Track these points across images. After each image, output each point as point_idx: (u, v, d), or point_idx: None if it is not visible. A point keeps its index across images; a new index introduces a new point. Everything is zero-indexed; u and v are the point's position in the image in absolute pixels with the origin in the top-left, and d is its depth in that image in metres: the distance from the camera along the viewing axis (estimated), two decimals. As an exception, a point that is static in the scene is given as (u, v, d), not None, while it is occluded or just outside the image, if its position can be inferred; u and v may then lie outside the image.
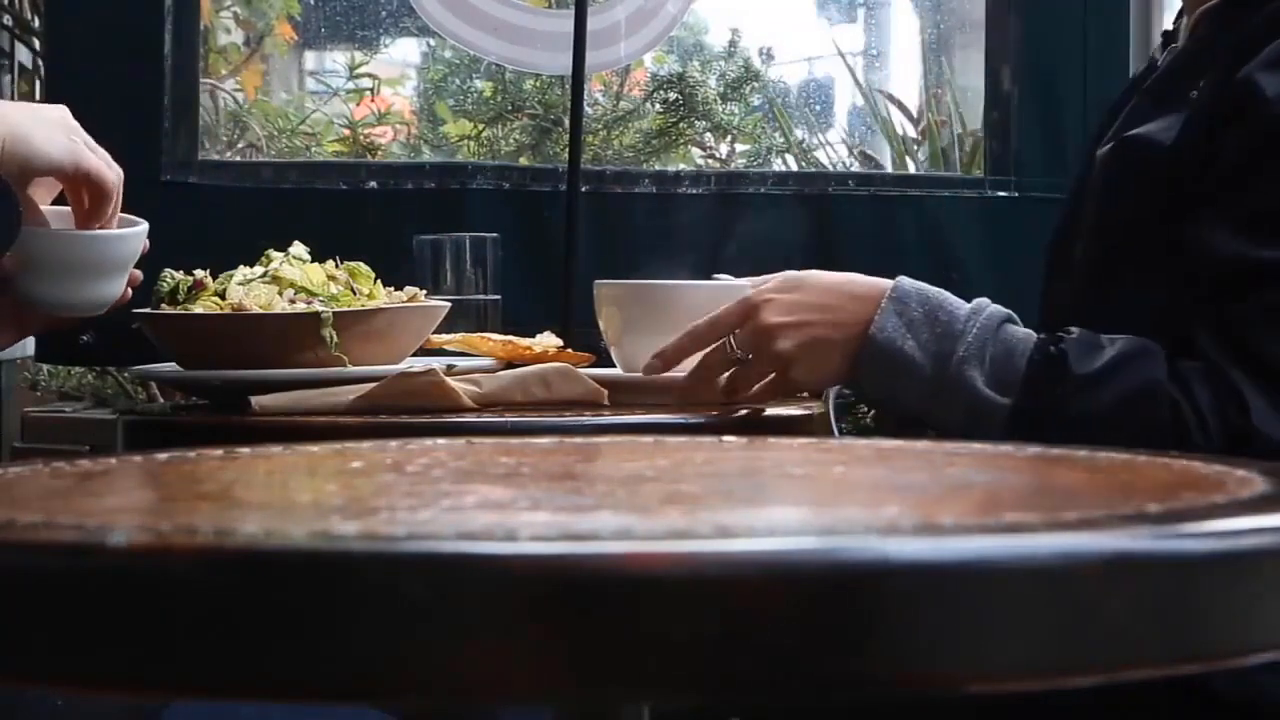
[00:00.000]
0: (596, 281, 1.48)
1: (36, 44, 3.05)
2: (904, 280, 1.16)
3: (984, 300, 1.15)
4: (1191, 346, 1.07)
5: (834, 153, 3.06)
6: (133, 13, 2.27)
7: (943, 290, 1.16)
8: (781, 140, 3.04)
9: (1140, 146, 1.14)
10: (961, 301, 1.14)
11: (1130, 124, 1.17)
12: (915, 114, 2.96)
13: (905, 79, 3.26)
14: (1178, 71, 1.18)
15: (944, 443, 0.76)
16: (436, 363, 1.32)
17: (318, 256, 1.40)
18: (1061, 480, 0.66)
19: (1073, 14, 2.10)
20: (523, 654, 0.39)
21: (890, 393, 1.16)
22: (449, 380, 1.24)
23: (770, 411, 1.25)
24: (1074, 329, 1.10)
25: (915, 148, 2.95)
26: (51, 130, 1.16)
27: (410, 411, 1.23)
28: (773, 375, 1.20)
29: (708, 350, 1.22)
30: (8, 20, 3.13)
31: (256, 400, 1.25)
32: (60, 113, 1.19)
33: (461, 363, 1.36)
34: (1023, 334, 1.12)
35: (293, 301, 1.34)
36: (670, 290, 1.38)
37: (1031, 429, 1.07)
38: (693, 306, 1.29)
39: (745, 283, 1.27)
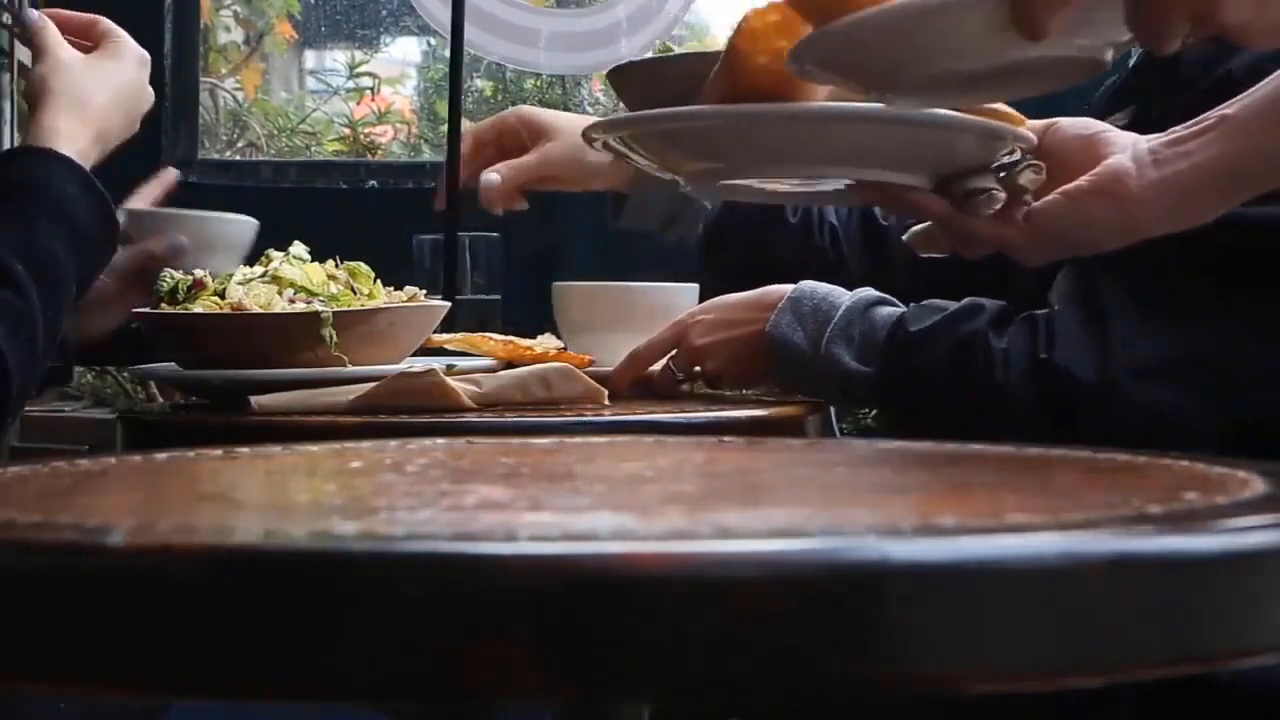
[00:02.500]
0: (555, 284, 1.54)
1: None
2: (806, 283, 1.26)
3: (866, 289, 1.24)
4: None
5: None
6: (132, 12, 2.27)
7: (841, 289, 1.25)
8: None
9: None
10: (847, 292, 1.24)
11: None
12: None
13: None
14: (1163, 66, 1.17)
15: (944, 443, 0.76)
16: (436, 363, 1.32)
17: (317, 256, 1.40)
18: (1062, 481, 0.66)
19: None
20: (523, 654, 0.39)
21: (792, 383, 1.28)
22: (449, 380, 1.24)
23: (771, 412, 1.25)
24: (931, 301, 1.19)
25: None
26: (126, 121, 1.26)
27: (410, 411, 1.23)
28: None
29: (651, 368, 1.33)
30: (7, 19, 3.13)
31: (256, 400, 1.25)
32: (134, 85, 1.29)
33: (462, 363, 1.36)
34: (889, 311, 1.21)
35: (292, 301, 1.34)
36: (622, 291, 1.49)
37: (894, 392, 1.18)
38: (643, 306, 1.42)
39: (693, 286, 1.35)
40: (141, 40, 2.26)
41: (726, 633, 0.40)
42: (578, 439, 0.83)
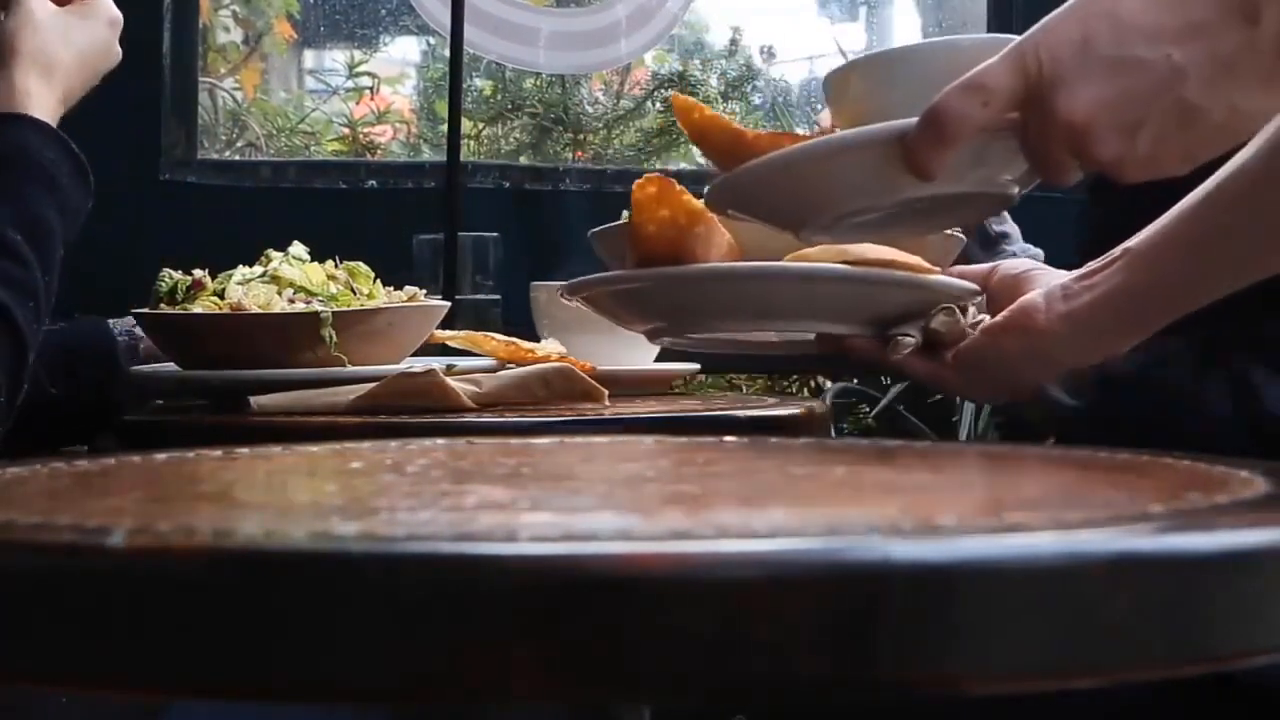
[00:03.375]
0: (533, 283, 1.54)
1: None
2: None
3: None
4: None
5: (834, 152, 3.06)
6: (132, 11, 2.27)
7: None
8: (782, 139, 3.04)
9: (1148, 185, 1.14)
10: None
11: None
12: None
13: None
14: None
15: (945, 443, 0.76)
16: (436, 363, 1.32)
17: (317, 256, 1.40)
18: (1063, 480, 0.66)
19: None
20: (523, 654, 0.39)
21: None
22: (449, 380, 1.24)
23: (771, 412, 1.25)
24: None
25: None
26: (89, 80, 1.27)
27: (410, 411, 1.23)
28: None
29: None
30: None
31: (255, 400, 1.25)
32: (100, 42, 1.28)
33: (462, 362, 1.36)
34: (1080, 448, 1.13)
35: (292, 301, 1.34)
36: None
37: (1106, 429, 1.06)
38: None
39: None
40: (142, 40, 2.26)
41: (727, 633, 0.40)
42: (578, 439, 0.83)
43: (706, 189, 0.90)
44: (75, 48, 1.26)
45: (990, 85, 0.75)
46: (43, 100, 1.21)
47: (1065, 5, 0.75)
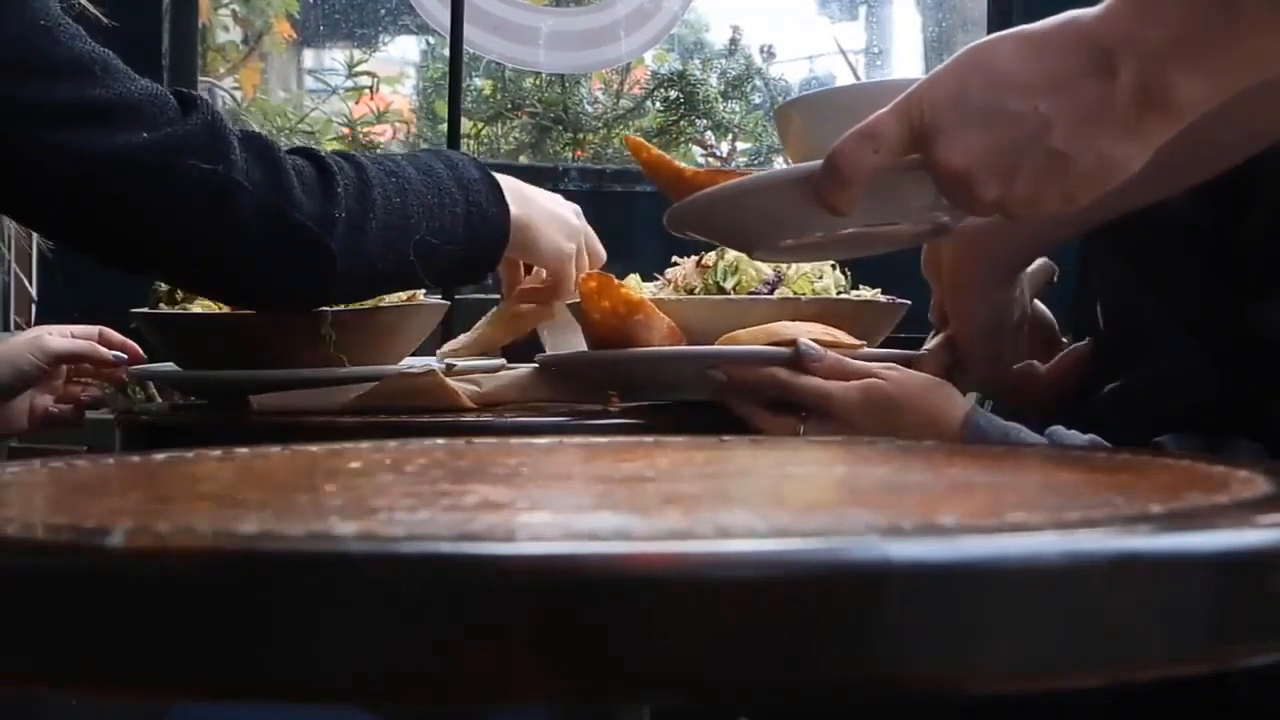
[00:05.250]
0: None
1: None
2: (978, 415, 1.15)
3: (1059, 429, 1.12)
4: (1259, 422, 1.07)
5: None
6: (131, 11, 2.27)
7: (1016, 425, 1.14)
8: (782, 139, 3.04)
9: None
10: (1036, 435, 1.12)
11: None
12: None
13: (907, 77, 3.25)
14: None
15: (944, 443, 0.76)
16: (434, 363, 1.32)
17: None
18: (1064, 480, 0.66)
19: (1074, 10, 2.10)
20: (523, 654, 0.39)
21: None
22: (449, 380, 1.24)
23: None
24: (1166, 439, 1.07)
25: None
26: (556, 230, 1.34)
27: (410, 411, 1.23)
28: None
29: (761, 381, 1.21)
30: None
31: (256, 400, 1.25)
32: (570, 211, 1.37)
33: (462, 363, 1.36)
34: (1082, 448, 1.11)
35: (292, 301, 1.33)
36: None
37: None
38: None
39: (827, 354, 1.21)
40: (141, 40, 2.26)
41: (727, 633, 0.39)
42: (578, 439, 0.83)
43: (665, 216, 0.99)
44: (548, 200, 1.37)
45: (880, 133, 0.81)
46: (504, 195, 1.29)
47: (949, 59, 0.80)
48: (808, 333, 1.18)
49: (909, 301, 1.34)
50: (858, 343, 1.22)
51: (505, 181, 1.32)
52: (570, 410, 1.26)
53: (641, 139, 1.14)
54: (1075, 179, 0.78)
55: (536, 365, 1.33)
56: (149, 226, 1.15)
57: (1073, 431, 1.11)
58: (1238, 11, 0.71)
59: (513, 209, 1.29)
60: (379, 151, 1.25)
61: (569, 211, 1.38)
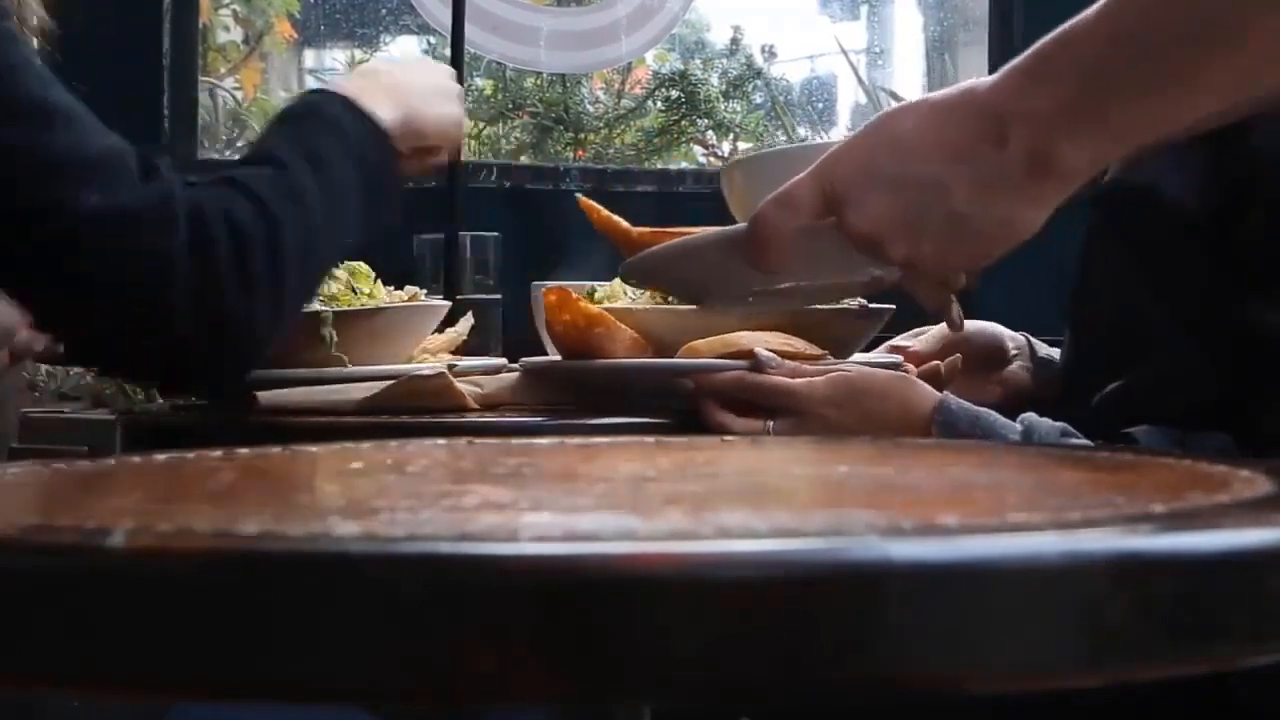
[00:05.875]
0: (533, 284, 1.55)
1: (35, 43, 3.05)
2: (949, 400, 1.16)
3: (1031, 417, 1.14)
4: (1250, 422, 1.06)
5: (836, 151, 3.05)
6: (132, 11, 2.27)
7: (987, 410, 1.16)
8: (784, 138, 3.04)
9: (1145, 200, 1.13)
10: (1009, 422, 1.14)
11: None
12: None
13: (908, 76, 3.26)
14: None
15: (945, 442, 0.76)
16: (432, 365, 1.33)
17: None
18: (1065, 480, 0.66)
19: (1075, 11, 2.10)
20: (523, 655, 0.39)
21: None
22: (456, 382, 1.24)
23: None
24: (1138, 432, 1.07)
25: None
26: (437, 103, 1.27)
27: (411, 412, 1.23)
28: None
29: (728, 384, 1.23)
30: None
31: (263, 395, 1.25)
32: (442, 74, 1.31)
33: (463, 363, 1.37)
34: (1083, 447, 1.10)
35: (293, 300, 1.33)
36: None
37: None
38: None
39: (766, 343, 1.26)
40: (142, 40, 2.26)
41: (728, 633, 0.39)
42: (579, 439, 0.83)
43: (619, 269, 1.07)
44: (420, 75, 1.29)
45: (796, 198, 0.86)
46: (368, 93, 1.21)
47: (861, 127, 0.85)
48: (765, 342, 1.21)
49: (891, 307, 1.34)
50: (819, 352, 1.24)
51: (371, 79, 1.25)
52: (551, 411, 1.27)
53: (591, 200, 1.25)
54: (977, 240, 0.82)
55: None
56: (73, 292, 1.07)
57: (1045, 420, 1.12)
58: (1108, 86, 0.75)
59: (389, 115, 1.22)
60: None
61: (441, 75, 1.32)
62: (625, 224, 1.18)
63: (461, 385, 1.26)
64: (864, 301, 1.33)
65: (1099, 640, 0.42)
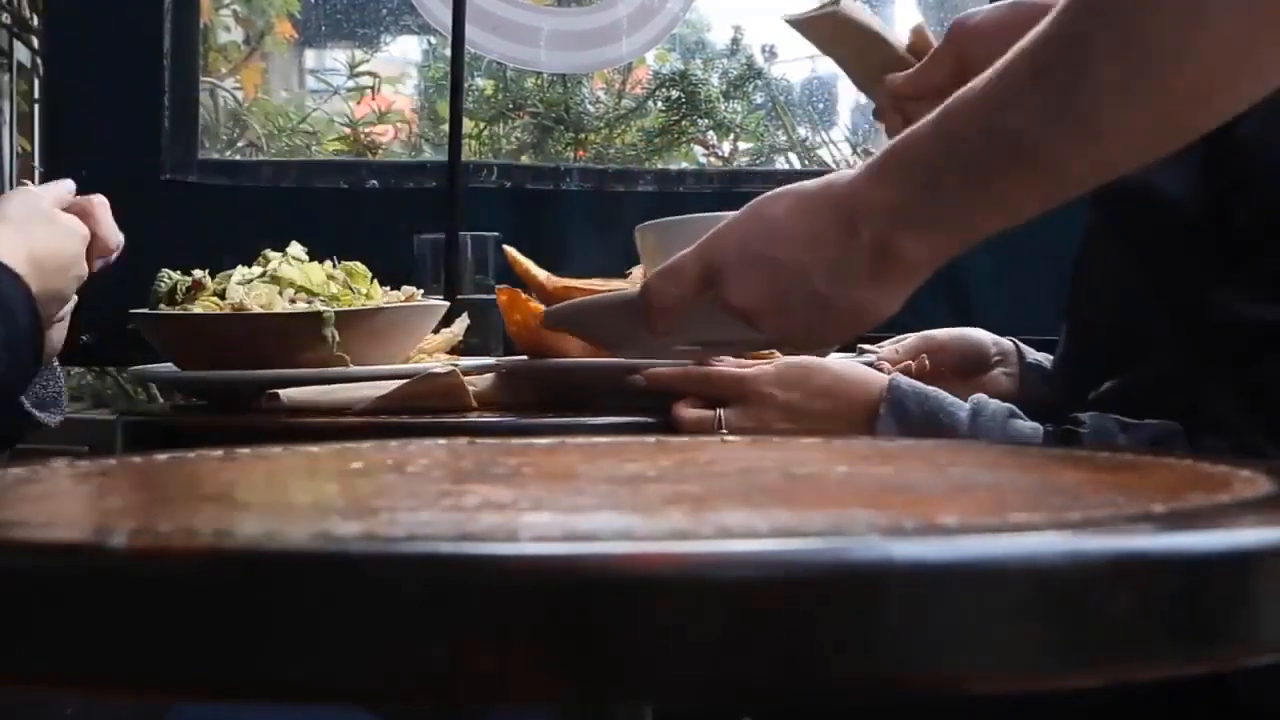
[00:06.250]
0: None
1: (36, 43, 3.05)
2: (899, 380, 1.19)
3: (982, 397, 1.16)
4: (1205, 412, 1.06)
5: (837, 151, 3.06)
6: (132, 11, 2.27)
7: (937, 390, 1.18)
8: (784, 139, 3.04)
9: (1144, 199, 1.13)
10: (959, 401, 1.15)
11: None
12: (917, 112, 2.96)
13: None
14: None
15: (945, 442, 0.76)
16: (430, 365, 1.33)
17: (317, 256, 1.40)
18: (1065, 480, 0.66)
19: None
20: (523, 654, 0.39)
21: None
22: (465, 381, 1.26)
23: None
24: (1085, 416, 1.09)
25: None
26: (58, 281, 1.14)
27: (410, 411, 1.23)
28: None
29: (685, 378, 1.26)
30: (7, 19, 3.13)
31: (284, 394, 1.25)
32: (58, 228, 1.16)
33: (464, 362, 1.37)
34: (1029, 429, 1.12)
35: (293, 301, 1.34)
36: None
37: None
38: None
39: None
40: (142, 40, 2.26)
41: (728, 633, 0.39)
42: (579, 439, 0.83)
43: (544, 315, 1.15)
44: (54, 225, 1.17)
45: (681, 271, 0.93)
46: (10, 250, 1.11)
47: (742, 209, 0.92)
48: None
49: None
50: (766, 352, 1.25)
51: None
52: (540, 409, 1.28)
53: (516, 251, 1.36)
54: (838, 320, 0.89)
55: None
56: None
57: (994, 400, 1.13)
58: (939, 189, 0.82)
59: (16, 256, 1.10)
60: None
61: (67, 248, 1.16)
62: (541, 278, 1.29)
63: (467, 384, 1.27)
64: None
65: (1099, 640, 0.42)
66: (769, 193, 0.91)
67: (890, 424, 1.15)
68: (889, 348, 1.44)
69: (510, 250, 1.37)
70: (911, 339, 1.45)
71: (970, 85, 0.80)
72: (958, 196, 0.82)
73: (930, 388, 1.16)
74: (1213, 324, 1.08)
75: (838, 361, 1.21)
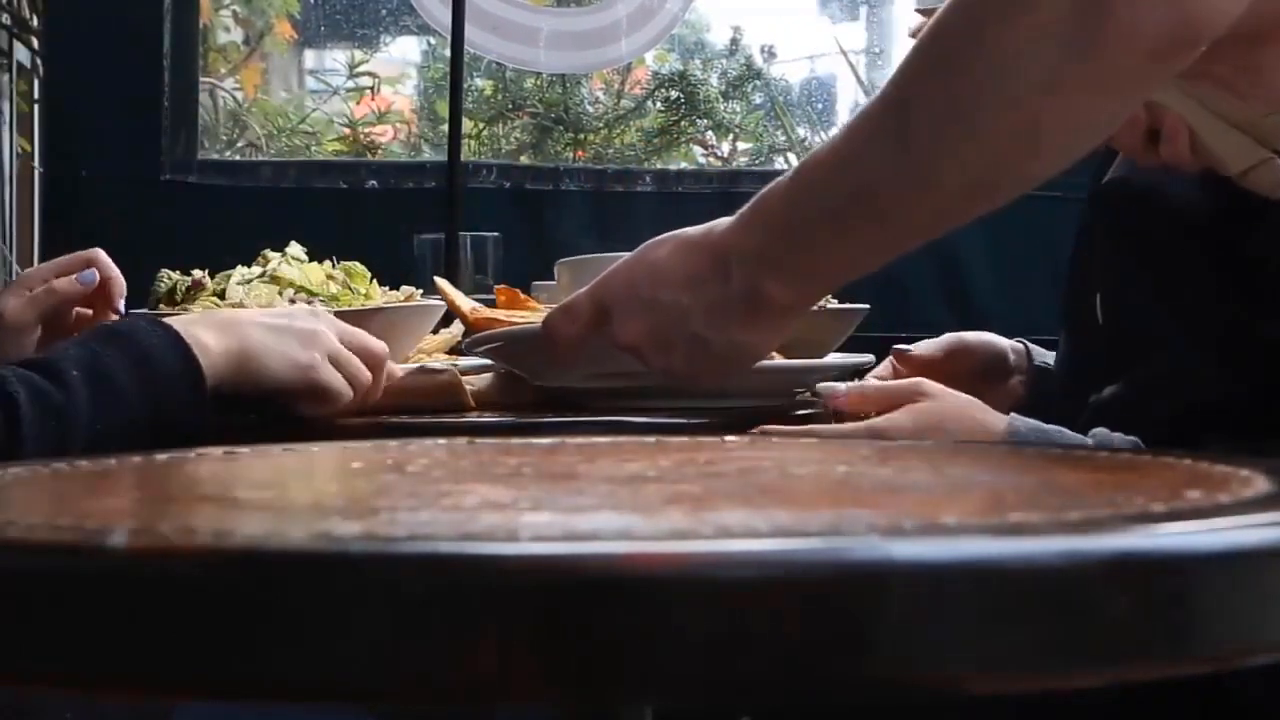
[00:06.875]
0: (534, 284, 1.55)
1: (36, 43, 3.05)
2: (1016, 421, 1.14)
3: (1103, 431, 1.11)
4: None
5: (835, 151, 3.05)
6: (132, 12, 2.27)
7: (1059, 429, 1.13)
8: (784, 139, 3.04)
9: (1149, 200, 1.13)
10: (1081, 436, 1.11)
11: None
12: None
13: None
14: None
15: (945, 443, 0.76)
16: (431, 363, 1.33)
17: (316, 256, 1.40)
18: (1065, 480, 0.66)
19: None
20: (523, 654, 0.39)
21: None
22: (463, 380, 1.26)
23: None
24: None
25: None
26: (288, 347, 1.16)
27: (415, 411, 1.23)
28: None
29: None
30: (6, 19, 3.13)
31: None
32: (310, 322, 1.18)
33: (463, 362, 1.37)
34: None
35: (293, 301, 1.34)
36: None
37: None
38: None
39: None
40: (142, 40, 2.26)
41: (728, 633, 0.39)
42: (579, 439, 0.83)
43: (466, 342, 1.20)
44: (261, 316, 1.20)
45: (576, 309, 0.98)
46: (197, 333, 1.12)
47: (634, 251, 0.97)
48: None
49: (865, 306, 1.34)
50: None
51: (211, 316, 1.17)
52: (536, 409, 1.28)
53: (443, 281, 1.38)
54: (717, 359, 0.93)
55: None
56: None
57: (1117, 435, 1.10)
58: (799, 239, 0.87)
59: (216, 343, 1.12)
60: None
61: (302, 319, 1.20)
62: (466, 309, 1.32)
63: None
64: (834, 301, 1.33)
65: (1099, 640, 0.42)
66: (657, 237, 0.96)
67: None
68: (915, 347, 1.43)
69: (439, 280, 1.39)
70: (944, 340, 1.44)
71: (824, 143, 0.88)
72: (815, 245, 0.87)
73: (1050, 426, 1.14)
74: (1231, 339, 1.08)
75: (958, 402, 1.17)
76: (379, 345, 1.22)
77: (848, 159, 0.84)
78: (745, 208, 0.90)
